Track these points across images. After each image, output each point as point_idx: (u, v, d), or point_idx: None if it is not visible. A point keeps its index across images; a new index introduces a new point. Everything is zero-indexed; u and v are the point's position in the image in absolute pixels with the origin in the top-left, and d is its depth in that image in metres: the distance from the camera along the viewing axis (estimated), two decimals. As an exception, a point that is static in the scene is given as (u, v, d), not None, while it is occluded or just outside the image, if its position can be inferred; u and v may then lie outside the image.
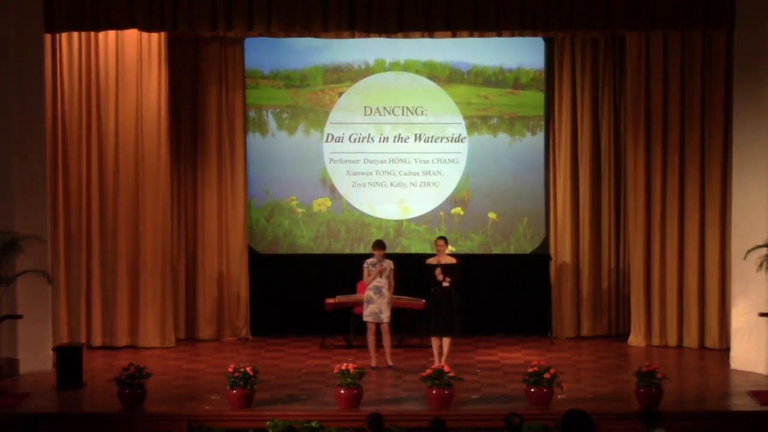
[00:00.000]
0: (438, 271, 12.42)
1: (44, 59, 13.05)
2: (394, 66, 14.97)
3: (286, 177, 14.94)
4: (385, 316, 12.82)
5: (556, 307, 14.77)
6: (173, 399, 11.33)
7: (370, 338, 12.87)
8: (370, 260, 12.91)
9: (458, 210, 14.97)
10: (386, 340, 12.91)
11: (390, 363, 12.86)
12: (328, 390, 11.24)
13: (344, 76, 14.95)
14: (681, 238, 14.06)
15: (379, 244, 13.01)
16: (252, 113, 14.94)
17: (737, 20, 12.58)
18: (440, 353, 12.42)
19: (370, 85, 14.95)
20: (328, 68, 14.94)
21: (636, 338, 14.22)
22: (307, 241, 14.94)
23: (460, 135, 14.92)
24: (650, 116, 14.11)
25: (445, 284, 12.41)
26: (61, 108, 13.88)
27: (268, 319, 14.86)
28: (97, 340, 14.05)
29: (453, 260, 12.66)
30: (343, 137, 14.93)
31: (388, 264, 12.90)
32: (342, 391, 10.79)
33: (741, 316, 12.66)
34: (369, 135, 14.96)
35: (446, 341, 12.43)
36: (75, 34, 13.75)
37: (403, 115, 14.93)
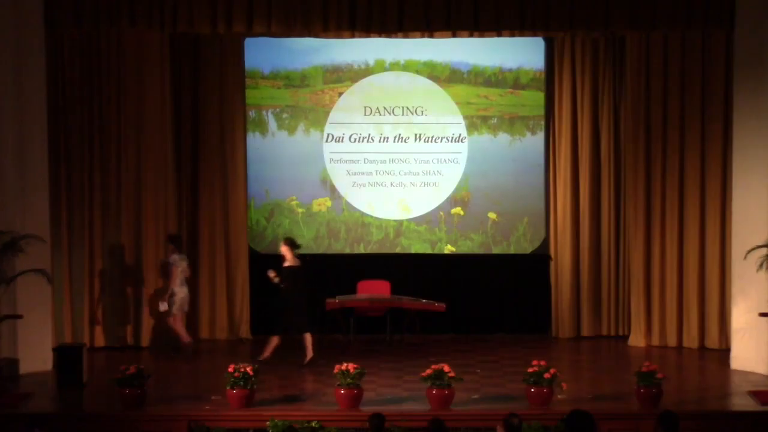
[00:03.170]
0: (272, 274, 12.95)
1: (44, 59, 13.04)
2: (394, 66, 14.97)
3: (286, 177, 14.95)
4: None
5: (556, 307, 14.77)
6: (173, 399, 11.33)
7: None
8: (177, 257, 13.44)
9: (458, 210, 14.97)
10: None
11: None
12: (328, 390, 11.24)
13: (344, 76, 14.96)
14: (681, 238, 14.06)
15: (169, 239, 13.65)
16: (252, 113, 14.94)
17: (737, 20, 12.59)
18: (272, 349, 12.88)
19: (370, 85, 14.96)
20: (328, 68, 14.95)
21: (636, 338, 14.22)
22: (307, 241, 14.94)
23: (460, 135, 14.93)
24: (650, 116, 14.10)
25: (283, 286, 12.87)
26: (62, 108, 13.87)
27: (268, 319, 14.84)
28: (100, 340, 14.05)
29: (290, 263, 12.88)
30: (343, 137, 14.94)
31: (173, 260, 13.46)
32: (342, 391, 10.78)
33: (741, 316, 12.66)
34: (369, 135, 14.96)
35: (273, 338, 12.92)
36: (75, 34, 13.74)
37: (403, 115, 14.94)
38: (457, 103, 14.92)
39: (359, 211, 14.99)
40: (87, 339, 13.74)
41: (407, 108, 14.93)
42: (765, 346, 12.39)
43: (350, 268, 14.66)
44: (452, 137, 14.92)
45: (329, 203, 14.99)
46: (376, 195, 14.98)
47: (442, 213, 14.97)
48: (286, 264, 12.89)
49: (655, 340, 14.14)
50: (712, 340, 13.85)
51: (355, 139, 14.96)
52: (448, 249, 14.95)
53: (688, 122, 13.97)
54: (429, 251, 14.96)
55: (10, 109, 12.51)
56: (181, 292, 13.34)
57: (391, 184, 14.99)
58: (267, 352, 12.83)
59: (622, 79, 14.58)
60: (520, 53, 14.88)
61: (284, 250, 12.94)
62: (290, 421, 10.13)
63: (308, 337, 12.85)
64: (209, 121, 14.67)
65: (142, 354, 13.58)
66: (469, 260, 14.92)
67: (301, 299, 12.84)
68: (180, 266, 13.36)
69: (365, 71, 14.96)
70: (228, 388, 10.82)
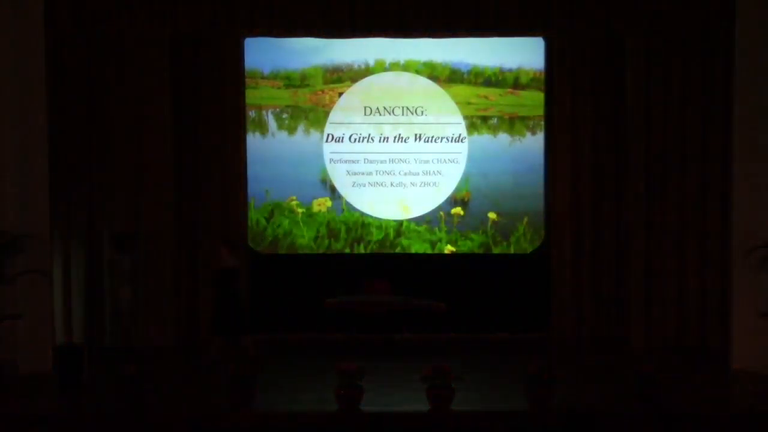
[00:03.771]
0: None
1: (44, 59, 13.03)
2: (394, 66, 14.97)
3: (286, 177, 14.95)
4: None
5: (556, 307, 14.77)
6: (173, 399, 11.33)
7: None
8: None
9: (458, 210, 14.97)
10: None
11: None
12: (328, 390, 11.24)
13: (344, 76, 14.97)
14: (681, 237, 14.06)
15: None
16: (252, 113, 14.95)
17: (737, 20, 12.59)
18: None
19: (370, 85, 14.96)
20: (328, 68, 14.95)
21: (636, 338, 14.22)
22: (307, 241, 14.95)
23: (460, 135, 14.93)
24: (650, 116, 14.11)
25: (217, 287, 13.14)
26: (62, 108, 13.88)
27: (268, 318, 14.86)
28: (100, 340, 14.05)
29: (227, 264, 13.04)
30: (343, 137, 14.94)
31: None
32: (342, 391, 10.78)
33: (742, 316, 12.66)
34: (369, 135, 14.97)
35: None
36: (75, 34, 13.74)
37: (403, 115, 14.94)
38: (457, 103, 14.93)
39: (359, 211, 15.00)
40: (87, 339, 13.75)
41: (407, 108, 14.94)
42: (765, 346, 12.40)
43: (350, 268, 14.66)
44: (452, 137, 14.93)
45: (329, 203, 15.00)
46: (376, 195, 14.99)
47: (442, 213, 14.97)
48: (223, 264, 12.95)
49: (655, 341, 14.14)
50: (713, 340, 13.86)
51: (355, 139, 14.96)
52: (448, 249, 14.96)
53: (688, 121, 13.98)
54: (429, 251, 14.97)
55: (10, 109, 12.52)
56: (123, 293, 13.43)
57: (391, 184, 14.99)
58: (251, 351, 12.83)
59: (622, 79, 14.58)
60: (520, 53, 14.87)
61: (223, 252, 12.98)
62: (290, 420, 10.13)
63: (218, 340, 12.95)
64: (209, 121, 14.67)
65: (142, 353, 13.57)
66: (469, 260, 14.92)
67: (231, 301, 12.88)
68: (120, 266, 13.44)
69: (365, 71, 14.96)
70: (230, 388, 10.82)
